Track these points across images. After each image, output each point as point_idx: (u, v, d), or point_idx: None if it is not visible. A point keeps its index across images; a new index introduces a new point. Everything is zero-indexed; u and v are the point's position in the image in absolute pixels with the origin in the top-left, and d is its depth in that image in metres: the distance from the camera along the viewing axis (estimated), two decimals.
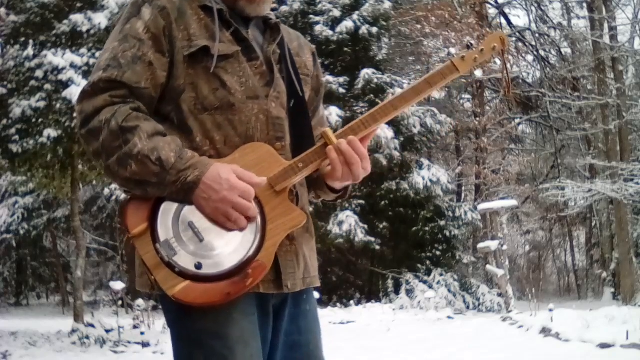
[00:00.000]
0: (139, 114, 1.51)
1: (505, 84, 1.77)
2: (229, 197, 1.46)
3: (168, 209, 1.50)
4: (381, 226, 16.27)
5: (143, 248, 1.49)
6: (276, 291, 1.59)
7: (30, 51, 9.31)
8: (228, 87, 1.57)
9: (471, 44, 1.67)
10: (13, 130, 9.24)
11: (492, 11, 20.83)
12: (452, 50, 17.01)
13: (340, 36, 16.09)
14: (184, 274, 1.47)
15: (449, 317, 13.29)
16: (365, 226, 15.31)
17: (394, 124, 15.43)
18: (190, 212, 1.49)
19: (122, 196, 15.37)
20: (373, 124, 1.61)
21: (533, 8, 20.07)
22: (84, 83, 8.81)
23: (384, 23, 16.85)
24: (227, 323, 1.52)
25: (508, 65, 1.75)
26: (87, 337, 9.37)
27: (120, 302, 12.99)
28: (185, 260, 1.47)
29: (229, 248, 1.49)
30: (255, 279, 1.49)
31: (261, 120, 1.59)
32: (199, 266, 1.47)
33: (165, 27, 1.56)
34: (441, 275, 15.48)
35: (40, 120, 9.14)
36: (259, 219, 1.51)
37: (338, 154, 1.57)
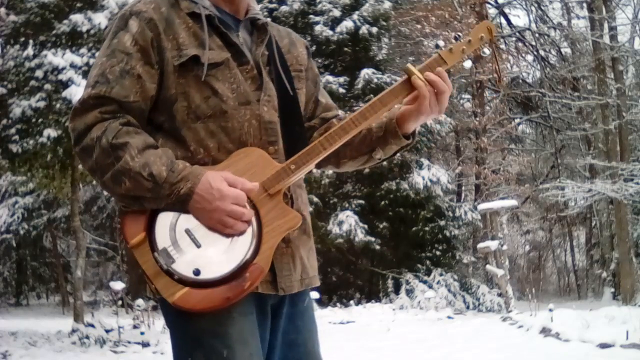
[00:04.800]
0: (129, 129, 1.52)
1: (496, 73, 1.77)
2: (222, 206, 1.47)
3: (165, 218, 1.52)
4: (381, 226, 16.26)
5: (142, 257, 1.51)
6: (273, 292, 1.60)
7: (30, 51, 9.31)
8: (220, 95, 1.57)
9: (459, 35, 1.67)
10: (13, 130, 9.24)
11: (492, 11, 20.82)
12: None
13: (340, 36, 16.10)
14: (183, 281, 1.49)
15: (449, 317, 13.29)
16: (365, 226, 15.32)
17: None
18: (187, 220, 1.51)
19: None
20: (362, 121, 1.62)
21: (533, 8, 20.07)
22: (84, 83, 8.78)
23: (384, 23, 16.85)
24: (226, 322, 1.53)
25: (497, 55, 1.73)
26: (87, 337, 9.37)
27: (120, 302, 13.00)
28: (183, 267, 1.49)
29: (226, 253, 1.50)
30: (254, 282, 1.50)
31: (254, 126, 1.59)
32: (197, 272, 1.49)
33: (153, 38, 1.56)
34: (441, 275, 15.47)
35: (40, 120, 9.14)
36: (254, 223, 1.52)
37: (426, 84, 1.60)
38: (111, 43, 1.57)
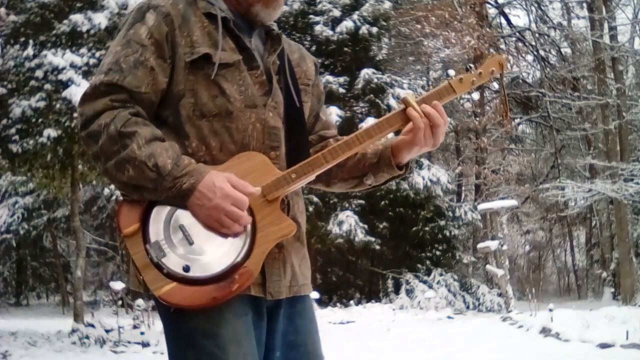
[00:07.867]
0: (138, 119, 1.53)
1: (503, 108, 1.78)
2: (221, 205, 1.48)
3: (160, 211, 1.52)
4: (381, 226, 16.27)
5: (134, 248, 1.52)
6: (262, 296, 1.60)
7: (30, 51, 9.30)
8: (227, 95, 1.59)
9: (470, 66, 1.69)
10: (13, 130, 9.25)
11: (492, 11, 20.85)
12: (451, 50, 17.01)
13: (340, 36, 16.10)
14: (172, 276, 1.50)
15: (449, 317, 13.30)
16: (365, 226, 15.32)
17: None
18: (182, 215, 1.52)
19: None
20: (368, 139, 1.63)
21: (533, 8, 20.08)
22: (84, 83, 8.81)
23: (384, 23, 16.85)
24: (219, 322, 1.53)
25: (505, 90, 1.75)
26: (87, 337, 9.38)
27: (120, 302, 13.00)
28: (173, 262, 1.50)
29: (217, 253, 1.51)
30: (242, 285, 1.51)
31: (257, 129, 1.61)
32: (187, 269, 1.49)
33: (169, 33, 1.59)
34: (441, 275, 15.48)
35: (40, 120, 9.14)
36: (249, 227, 1.53)
37: (421, 116, 1.61)
38: (127, 33, 1.59)
